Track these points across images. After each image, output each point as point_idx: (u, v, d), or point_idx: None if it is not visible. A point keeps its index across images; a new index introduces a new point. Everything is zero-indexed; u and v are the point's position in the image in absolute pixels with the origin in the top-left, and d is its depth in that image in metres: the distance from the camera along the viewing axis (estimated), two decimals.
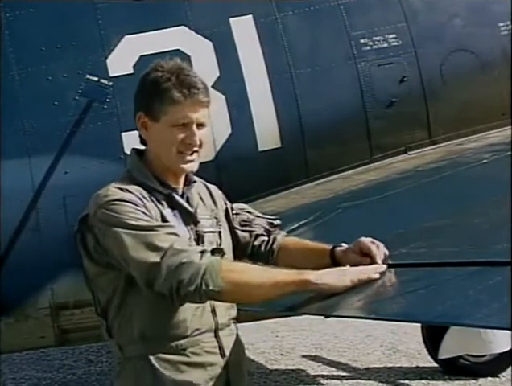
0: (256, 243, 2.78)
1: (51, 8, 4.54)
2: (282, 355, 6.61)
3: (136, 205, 2.40)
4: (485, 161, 4.11)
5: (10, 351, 5.15)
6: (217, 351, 2.53)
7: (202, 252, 2.34)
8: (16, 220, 4.24)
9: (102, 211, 2.40)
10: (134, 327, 2.46)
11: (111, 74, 4.48)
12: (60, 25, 4.57)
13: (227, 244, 2.65)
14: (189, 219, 2.55)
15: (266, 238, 2.78)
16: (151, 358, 2.45)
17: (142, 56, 4.47)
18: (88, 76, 4.44)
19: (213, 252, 2.39)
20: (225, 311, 2.58)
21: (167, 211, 2.50)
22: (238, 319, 2.68)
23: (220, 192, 2.78)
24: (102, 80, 4.45)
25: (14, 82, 4.40)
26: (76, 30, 4.57)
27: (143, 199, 2.44)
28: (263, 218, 2.84)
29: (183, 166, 2.50)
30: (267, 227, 2.81)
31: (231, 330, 2.62)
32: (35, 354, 6.88)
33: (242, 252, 2.75)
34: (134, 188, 2.46)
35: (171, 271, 2.30)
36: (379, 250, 2.57)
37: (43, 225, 4.28)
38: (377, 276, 2.43)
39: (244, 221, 2.78)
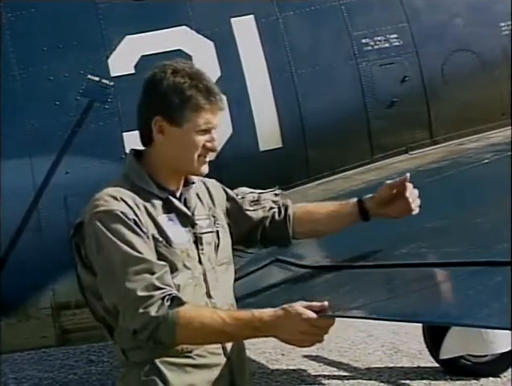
0: (269, 214, 2.84)
1: (52, 8, 4.54)
2: (283, 354, 6.61)
3: (127, 218, 2.40)
4: (486, 161, 4.11)
5: (11, 351, 5.15)
6: (221, 351, 2.53)
7: (163, 300, 2.33)
8: (17, 220, 4.24)
9: (92, 221, 2.42)
10: None
11: (112, 74, 4.48)
12: (62, 25, 4.57)
13: (225, 243, 2.66)
14: (187, 221, 2.56)
15: (276, 209, 2.85)
16: (157, 361, 2.45)
17: (143, 56, 4.47)
18: (89, 76, 4.44)
19: (173, 301, 2.34)
20: None
21: (162, 217, 2.50)
22: None
23: (218, 184, 2.80)
24: (103, 80, 4.45)
25: (15, 82, 4.40)
26: (77, 30, 4.56)
27: (136, 210, 2.44)
28: (266, 192, 2.91)
29: (201, 169, 2.56)
30: (274, 198, 2.89)
31: None
32: (36, 354, 6.88)
33: (261, 228, 2.81)
34: (129, 195, 2.46)
35: (128, 316, 2.35)
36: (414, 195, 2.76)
37: (44, 225, 4.28)
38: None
39: (252, 201, 2.84)
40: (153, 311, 2.31)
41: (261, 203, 2.85)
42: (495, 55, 4.98)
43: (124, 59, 4.50)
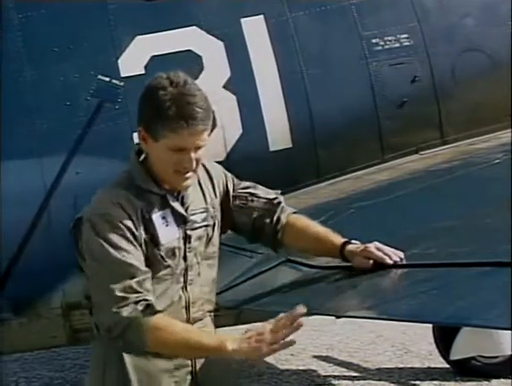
0: (257, 225, 2.82)
1: (62, 9, 4.55)
2: (292, 355, 6.60)
3: (120, 223, 2.50)
4: (497, 161, 4.09)
5: (22, 351, 5.16)
6: None
7: (136, 304, 2.43)
8: (27, 221, 4.25)
9: (87, 223, 2.54)
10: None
11: (122, 74, 4.49)
12: (72, 26, 4.58)
13: (217, 236, 2.75)
14: (180, 218, 2.63)
15: (267, 219, 2.81)
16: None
17: (153, 57, 4.48)
18: (99, 77, 4.45)
19: (147, 309, 2.45)
20: (200, 306, 2.68)
21: (157, 216, 2.58)
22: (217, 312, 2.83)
23: (220, 171, 2.83)
24: (114, 81, 4.46)
25: (25, 83, 4.41)
26: (87, 31, 4.57)
27: (131, 214, 2.52)
28: (263, 198, 2.85)
29: (181, 183, 2.60)
30: (267, 207, 2.83)
31: (203, 323, 2.70)
32: (46, 353, 6.90)
33: (245, 234, 2.84)
34: (126, 198, 2.55)
35: (102, 314, 2.51)
36: (386, 253, 2.63)
37: (54, 225, 4.29)
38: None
39: (243, 204, 2.82)
40: (125, 312, 2.43)
41: (250, 209, 2.82)
42: (506, 55, 4.96)
43: (134, 59, 4.51)
